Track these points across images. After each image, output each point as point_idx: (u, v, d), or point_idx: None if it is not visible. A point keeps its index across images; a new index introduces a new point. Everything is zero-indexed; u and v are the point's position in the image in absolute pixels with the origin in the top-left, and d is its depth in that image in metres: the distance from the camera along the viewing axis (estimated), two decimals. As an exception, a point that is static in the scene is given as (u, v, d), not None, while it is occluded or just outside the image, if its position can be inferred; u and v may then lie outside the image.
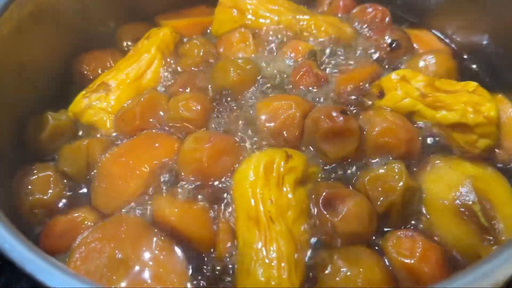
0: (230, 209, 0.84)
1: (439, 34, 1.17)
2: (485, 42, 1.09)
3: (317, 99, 0.99)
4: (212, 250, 0.80)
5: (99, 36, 1.19)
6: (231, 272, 0.77)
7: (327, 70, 1.05)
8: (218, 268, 0.78)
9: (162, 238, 0.80)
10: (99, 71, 1.11)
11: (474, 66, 1.09)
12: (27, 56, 0.98)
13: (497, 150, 0.91)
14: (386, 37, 1.07)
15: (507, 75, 1.01)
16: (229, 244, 0.80)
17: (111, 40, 1.21)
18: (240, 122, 0.95)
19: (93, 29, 1.17)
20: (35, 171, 0.91)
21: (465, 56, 1.11)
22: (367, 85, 1.00)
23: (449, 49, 1.13)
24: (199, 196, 0.85)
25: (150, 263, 0.77)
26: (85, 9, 1.13)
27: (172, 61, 1.11)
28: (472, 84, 0.94)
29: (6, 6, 0.90)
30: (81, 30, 1.14)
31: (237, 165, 0.88)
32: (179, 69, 1.10)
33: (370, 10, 1.14)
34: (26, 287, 0.86)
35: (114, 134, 0.98)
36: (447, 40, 1.16)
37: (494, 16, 1.04)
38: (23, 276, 0.78)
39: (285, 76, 1.04)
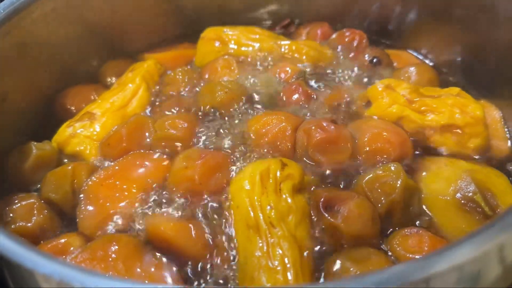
0: (227, 222, 0.80)
1: (415, 54, 1.21)
2: (459, 58, 1.13)
3: (307, 115, 0.99)
4: (210, 265, 0.76)
5: (83, 72, 1.19)
6: (232, 286, 0.73)
7: (314, 88, 1.06)
8: (220, 282, 0.73)
9: (158, 255, 0.76)
10: (83, 105, 1.09)
11: (451, 78, 1.12)
12: (11, 85, 0.97)
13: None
14: (366, 55, 1.11)
15: (485, 83, 1.04)
16: (229, 257, 0.76)
17: (95, 76, 1.20)
18: (230, 139, 0.94)
19: (77, 66, 1.17)
20: (17, 200, 0.86)
21: (443, 70, 1.14)
22: (353, 98, 1.02)
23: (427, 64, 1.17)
24: (193, 213, 0.82)
25: (146, 281, 0.71)
26: (68, 46, 1.13)
27: (157, 90, 1.11)
28: (455, 89, 0.96)
29: (-11, 33, 0.90)
30: (65, 66, 1.13)
31: (230, 179, 0.86)
32: (164, 97, 1.10)
33: (348, 34, 1.19)
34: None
35: (99, 161, 0.95)
36: (423, 59, 1.20)
37: (466, 32, 1.08)
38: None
39: (273, 95, 1.04)
